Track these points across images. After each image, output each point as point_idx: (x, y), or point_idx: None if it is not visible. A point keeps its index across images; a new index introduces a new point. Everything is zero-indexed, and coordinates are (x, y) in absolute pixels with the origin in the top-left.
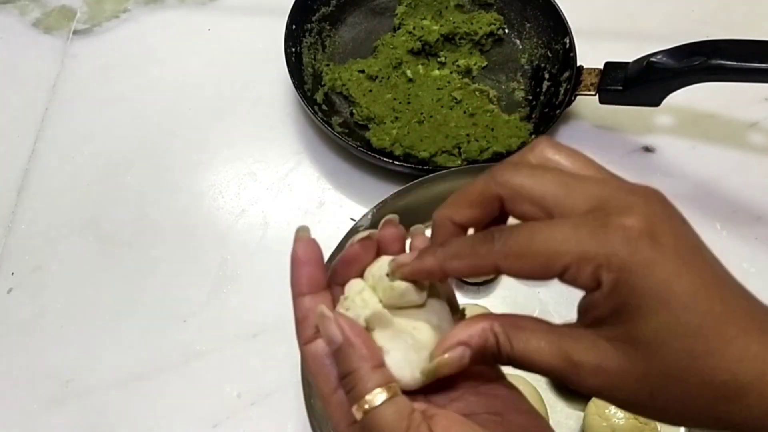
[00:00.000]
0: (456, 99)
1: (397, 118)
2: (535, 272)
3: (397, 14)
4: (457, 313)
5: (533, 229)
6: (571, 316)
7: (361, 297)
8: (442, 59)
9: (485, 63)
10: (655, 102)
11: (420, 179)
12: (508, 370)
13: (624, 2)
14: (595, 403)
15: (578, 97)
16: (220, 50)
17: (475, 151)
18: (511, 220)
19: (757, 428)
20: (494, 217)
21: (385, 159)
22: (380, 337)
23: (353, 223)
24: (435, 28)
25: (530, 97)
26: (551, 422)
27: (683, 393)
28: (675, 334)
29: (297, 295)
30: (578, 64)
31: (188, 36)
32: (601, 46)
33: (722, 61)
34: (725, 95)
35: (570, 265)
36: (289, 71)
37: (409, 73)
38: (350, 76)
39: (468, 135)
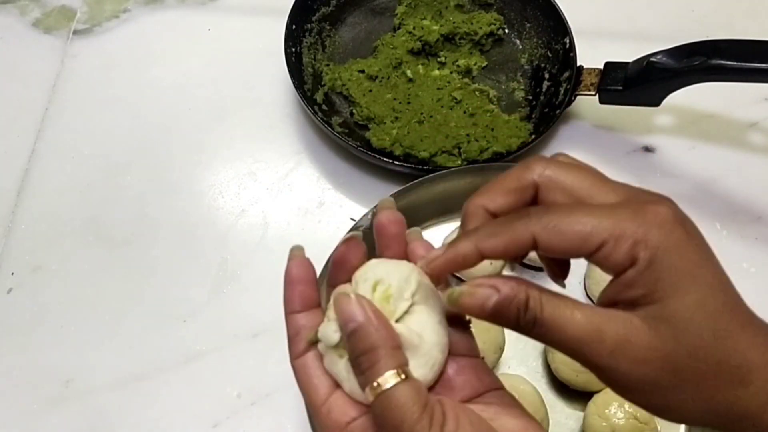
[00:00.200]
0: (456, 99)
1: (397, 118)
2: (572, 246)
3: (397, 14)
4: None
5: (571, 207)
6: None
7: None
8: (442, 59)
9: (485, 63)
10: (655, 102)
11: (420, 179)
12: (507, 370)
13: (624, 2)
14: (595, 403)
15: (578, 97)
16: (220, 50)
17: (475, 151)
18: None
19: (759, 416)
20: (527, 205)
21: (385, 159)
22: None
23: (353, 223)
24: (435, 28)
25: (530, 97)
26: (551, 422)
27: (702, 373)
28: (704, 312)
29: (289, 312)
30: (578, 64)
31: (188, 36)
32: (601, 46)
33: (722, 61)
34: (725, 95)
35: (607, 241)
36: (289, 71)
37: (409, 73)
38: (350, 76)
39: (468, 135)
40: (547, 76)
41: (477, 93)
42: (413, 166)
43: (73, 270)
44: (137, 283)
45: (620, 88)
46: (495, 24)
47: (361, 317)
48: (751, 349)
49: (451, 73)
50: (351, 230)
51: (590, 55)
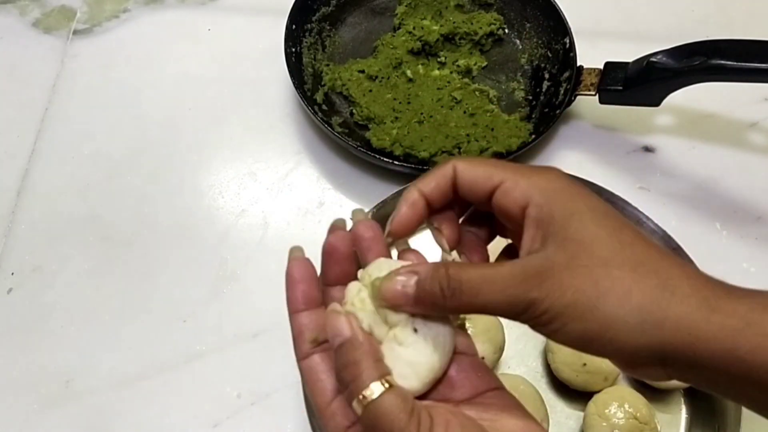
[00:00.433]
0: (456, 99)
1: (397, 118)
2: (480, 178)
3: (397, 14)
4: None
5: (481, 158)
6: None
7: (360, 298)
8: (442, 59)
9: (485, 63)
10: (655, 102)
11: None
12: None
13: (624, 2)
14: (595, 403)
15: (578, 97)
16: (220, 50)
17: (475, 152)
18: None
19: (695, 324)
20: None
21: (385, 159)
22: (384, 345)
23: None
24: (435, 28)
25: (530, 97)
26: (551, 422)
27: (622, 279)
28: (599, 227)
29: (293, 311)
30: (578, 64)
31: (188, 36)
32: (601, 46)
33: (722, 61)
34: (725, 95)
35: (505, 180)
36: (289, 71)
37: (409, 73)
38: (350, 76)
39: (468, 135)
40: (547, 76)
41: (477, 93)
42: (413, 166)
43: (73, 270)
44: (137, 284)
45: (620, 88)
46: (495, 24)
47: (347, 333)
48: (663, 260)
49: (451, 73)
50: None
51: (590, 55)
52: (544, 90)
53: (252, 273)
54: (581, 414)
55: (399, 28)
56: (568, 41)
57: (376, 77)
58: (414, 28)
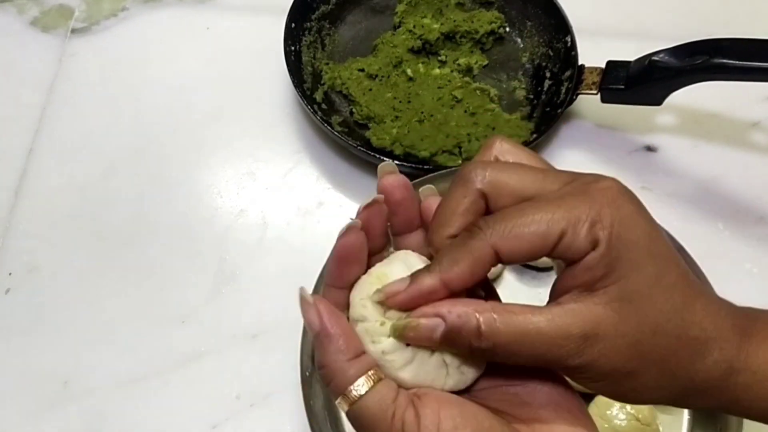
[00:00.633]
0: (457, 98)
1: (397, 117)
2: (534, 247)
3: (397, 12)
4: None
5: (521, 209)
6: None
7: (366, 307)
8: (443, 58)
9: (486, 62)
10: (657, 101)
11: (420, 179)
12: None
13: (626, 1)
14: (597, 405)
15: (580, 96)
16: (219, 49)
17: (475, 151)
18: None
19: (719, 388)
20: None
21: (384, 158)
22: (399, 351)
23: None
24: (435, 26)
25: (531, 96)
26: None
27: (664, 351)
28: (662, 286)
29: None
30: (580, 62)
31: (187, 35)
32: (603, 45)
33: (724, 60)
34: (727, 94)
35: (566, 230)
36: (289, 70)
37: (409, 71)
38: (350, 75)
39: (469, 134)
40: (548, 74)
41: (478, 92)
42: (413, 165)
43: (71, 270)
44: (136, 284)
45: (622, 87)
46: (496, 22)
47: (316, 327)
48: (705, 319)
49: (451, 71)
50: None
51: (592, 54)
52: (545, 89)
53: (251, 273)
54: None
55: (399, 26)
56: (569, 40)
57: (376, 76)
58: (414, 27)
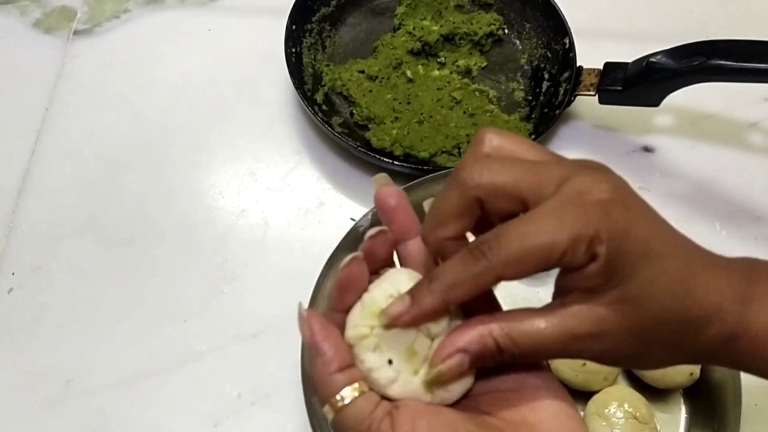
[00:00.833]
0: (456, 99)
1: (397, 118)
2: (536, 269)
3: (397, 14)
4: (458, 318)
5: (520, 230)
6: None
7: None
8: (442, 59)
9: (485, 63)
10: (655, 102)
11: (420, 179)
12: None
13: (624, 2)
14: (595, 403)
15: (578, 98)
16: (221, 50)
17: None
18: None
19: (723, 351)
20: (479, 216)
21: (385, 159)
22: (383, 368)
23: (353, 223)
24: (435, 28)
25: (530, 98)
26: None
27: (668, 334)
28: (660, 282)
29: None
30: (578, 64)
31: (188, 36)
32: (601, 47)
33: (722, 62)
34: (725, 95)
35: (566, 250)
36: (290, 71)
37: (409, 73)
38: (350, 77)
39: (468, 135)
40: (546, 76)
41: (477, 93)
42: (413, 166)
43: (73, 270)
44: (137, 283)
45: (620, 88)
46: (495, 24)
47: (308, 339)
48: (707, 299)
49: (450, 73)
50: (351, 230)
51: (590, 56)
52: (543, 90)
53: (252, 273)
54: (581, 414)
55: (399, 28)
56: (567, 41)
57: (376, 77)
58: (414, 29)
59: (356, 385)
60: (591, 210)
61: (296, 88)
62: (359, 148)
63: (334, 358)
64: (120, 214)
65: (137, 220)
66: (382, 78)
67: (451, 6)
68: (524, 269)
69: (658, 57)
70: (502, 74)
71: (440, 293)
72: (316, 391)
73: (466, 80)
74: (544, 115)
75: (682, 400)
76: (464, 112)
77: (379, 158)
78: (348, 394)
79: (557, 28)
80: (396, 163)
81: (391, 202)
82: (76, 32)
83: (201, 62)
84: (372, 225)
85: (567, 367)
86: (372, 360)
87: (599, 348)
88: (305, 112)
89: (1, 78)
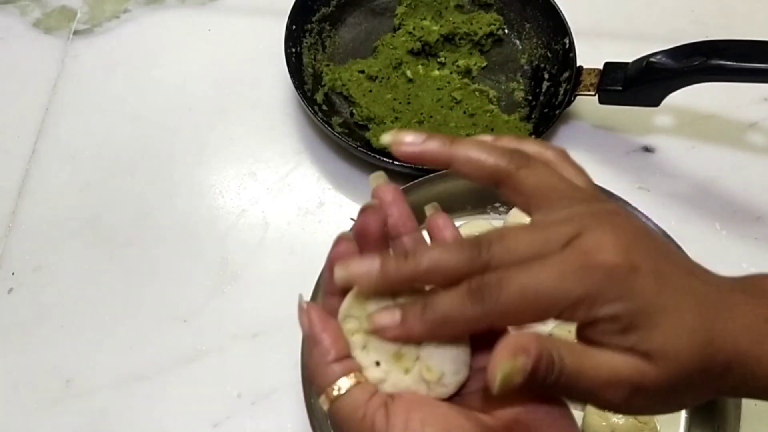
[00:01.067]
0: (456, 99)
1: (397, 118)
2: (533, 322)
3: (397, 14)
4: None
5: (522, 281)
6: None
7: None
8: (442, 59)
9: (485, 63)
10: (655, 102)
11: (420, 179)
12: None
13: (624, 2)
14: None
15: (578, 98)
16: (221, 50)
17: None
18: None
19: (743, 389)
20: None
21: (385, 159)
22: (371, 368)
23: (353, 223)
24: (435, 28)
25: (530, 98)
26: None
27: (694, 382)
28: (681, 335)
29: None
30: (578, 64)
31: (189, 36)
32: (601, 47)
33: (722, 62)
34: (725, 95)
35: (565, 310)
36: (290, 71)
37: (409, 73)
38: (350, 77)
39: (468, 135)
40: (546, 76)
41: (477, 93)
42: (413, 166)
43: (73, 270)
44: (138, 283)
45: (620, 88)
46: (495, 24)
47: (306, 330)
48: (727, 343)
49: (450, 73)
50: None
51: (590, 56)
52: (543, 90)
53: (252, 273)
54: (580, 413)
55: (399, 28)
56: (567, 41)
57: (376, 77)
58: (414, 29)
59: (353, 375)
60: (594, 273)
61: (296, 88)
62: (359, 148)
63: (332, 348)
64: (120, 215)
65: (137, 220)
66: (382, 78)
67: (451, 6)
68: (519, 321)
69: (658, 57)
70: (502, 74)
71: (430, 325)
72: (313, 380)
73: (466, 80)
74: (544, 115)
75: None
76: (464, 112)
77: (379, 158)
78: (344, 384)
79: (557, 28)
80: (396, 163)
81: (388, 196)
82: (76, 32)
83: (201, 62)
84: None
85: None
86: (360, 358)
87: (639, 401)
88: (305, 112)
89: (1, 78)
